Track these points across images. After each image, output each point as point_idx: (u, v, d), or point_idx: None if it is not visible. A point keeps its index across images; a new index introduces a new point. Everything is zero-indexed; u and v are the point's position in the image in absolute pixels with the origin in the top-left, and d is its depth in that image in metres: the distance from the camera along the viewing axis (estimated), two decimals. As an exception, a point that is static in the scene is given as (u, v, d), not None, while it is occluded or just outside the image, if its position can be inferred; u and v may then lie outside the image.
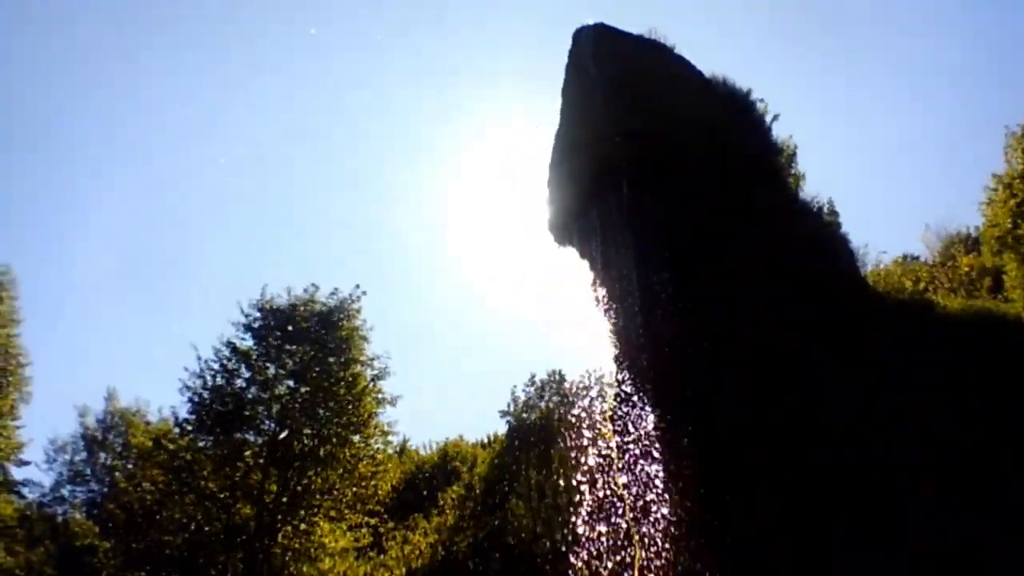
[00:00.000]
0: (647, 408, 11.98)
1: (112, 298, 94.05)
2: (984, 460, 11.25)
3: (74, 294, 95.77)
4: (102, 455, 52.56)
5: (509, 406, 41.79)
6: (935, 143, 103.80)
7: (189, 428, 34.37)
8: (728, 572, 11.49)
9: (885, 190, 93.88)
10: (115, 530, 38.79)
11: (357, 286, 36.49)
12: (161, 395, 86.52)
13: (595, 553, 13.09)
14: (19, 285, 42.83)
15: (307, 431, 34.32)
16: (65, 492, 51.40)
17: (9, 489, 42.83)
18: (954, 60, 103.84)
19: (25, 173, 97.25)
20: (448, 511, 38.89)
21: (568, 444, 14.11)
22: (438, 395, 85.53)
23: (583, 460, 13.60)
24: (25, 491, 47.33)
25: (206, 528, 33.00)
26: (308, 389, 34.56)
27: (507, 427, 42.15)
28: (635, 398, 12.11)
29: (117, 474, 47.04)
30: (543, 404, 39.77)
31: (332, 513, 33.89)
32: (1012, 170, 23.64)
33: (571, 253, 14.42)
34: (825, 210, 15.89)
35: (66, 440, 52.98)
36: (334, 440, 34.08)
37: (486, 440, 46.21)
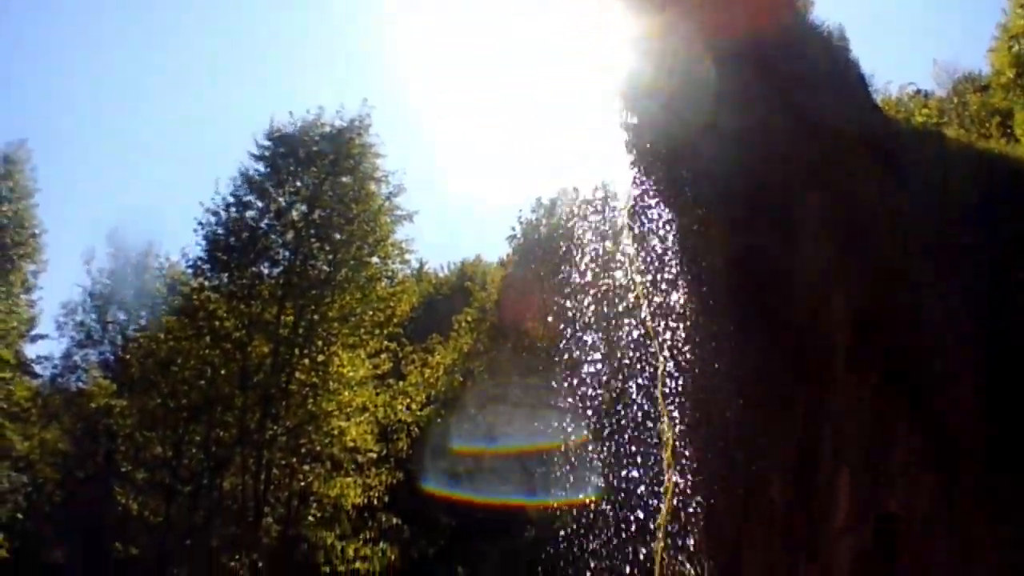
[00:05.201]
0: (669, 218, 12.03)
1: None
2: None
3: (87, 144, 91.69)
4: (112, 308, 48.27)
5: (513, 229, 41.00)
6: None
7: (204, 267, 33.96)
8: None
9: (894, 26, 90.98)
10: (129, 387, 38.14)
11: (365, 100, 34.96)
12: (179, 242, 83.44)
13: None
14: (34, 157, 43.08)
15: (322, 256, 33.64)
16: (78, 358, 47.21)
17: (23, 370, 41.35)
18: None
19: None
20: (463, 334, 38.36)
21: (583, 260, 14.12)
22: (456, 216, 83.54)
23: (599, 278, 13.75)
24: (38, 369, 45.07)
25: (222, 371, 32.69)
26: (322, 212, 33.70)
27: (514, 249, 41.57)
28: (654, 211, 12.21)
29: (131, 329, 45.09)
30: (554, 220, 37.68)
31: (351, 340, 33.33)
32: (1016, 23, 23.90)
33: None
34: (835, 35, 15.92)
35: (76, 301, 48.31)
36: (351, 263, 33.30)
37: (504, 259, 44.66)
